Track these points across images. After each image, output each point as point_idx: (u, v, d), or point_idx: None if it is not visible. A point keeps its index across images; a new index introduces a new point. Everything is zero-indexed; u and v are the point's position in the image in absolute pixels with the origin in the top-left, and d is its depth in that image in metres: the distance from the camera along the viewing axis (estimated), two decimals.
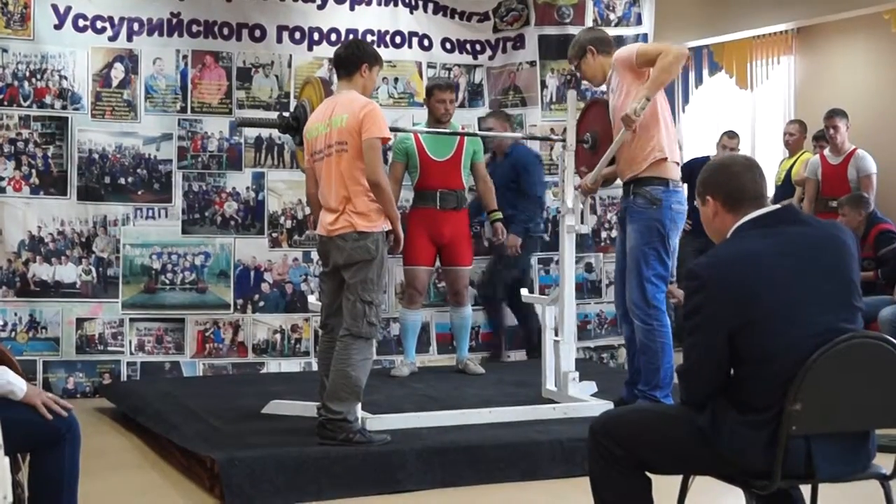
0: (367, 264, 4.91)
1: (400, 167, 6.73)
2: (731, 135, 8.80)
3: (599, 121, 5.80)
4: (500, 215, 6.99)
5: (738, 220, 3.13)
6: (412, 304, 6.76)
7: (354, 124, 4.89)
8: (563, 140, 5.94)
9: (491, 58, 7.79)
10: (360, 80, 5.10)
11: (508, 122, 7.29)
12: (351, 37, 7.38)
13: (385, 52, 7.46)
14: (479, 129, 7.29)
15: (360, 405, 5.04)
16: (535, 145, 7.56)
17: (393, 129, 5.40)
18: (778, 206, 3.20)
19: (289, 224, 7.32)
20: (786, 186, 8.88)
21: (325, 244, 5.04)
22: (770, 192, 8.51)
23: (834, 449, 3.01)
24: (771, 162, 9.64)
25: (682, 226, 5.51)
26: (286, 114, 5.58)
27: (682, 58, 5.35)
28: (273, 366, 7.23)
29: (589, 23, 7.80)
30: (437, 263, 6.93)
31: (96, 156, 6.97)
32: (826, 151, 8.36)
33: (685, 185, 6.00)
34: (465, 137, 6.76)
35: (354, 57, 5.11)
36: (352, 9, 7.48)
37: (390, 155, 6.81)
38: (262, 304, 7.23)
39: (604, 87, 5.93)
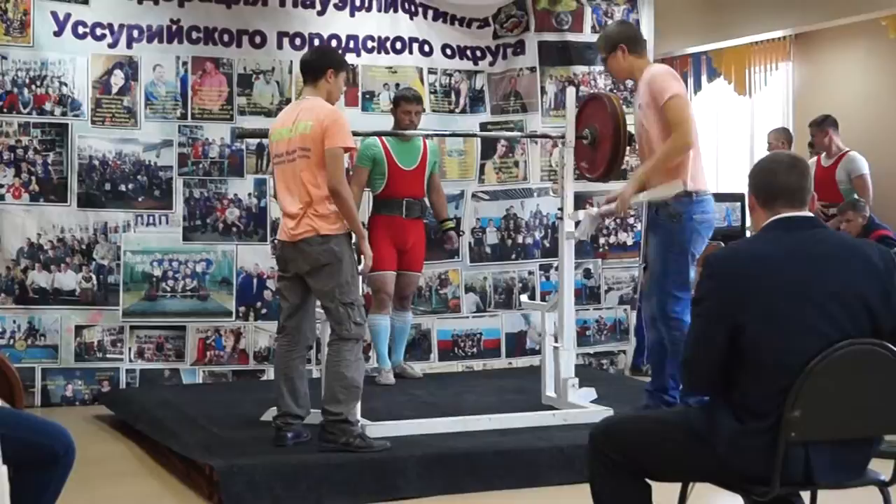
0: (336, 266, 4.91)
1: (365, 173, 6.64)
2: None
3: (598, 116, 5.79)
4: (452, 224, 7.00)
5: (769, 218, 3.13)
6: (383, 310, 6.69)
7: (319, 131, 4.90)
8: (563, 137, 5.93)
9: (491, 64, 7.77)
10: (325, 86, 5.09)
11: None
12: (351, 43, 7.38)
13: (386, 58, 7.52)
14: None
15: (359, 406, 5.03)
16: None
17: (355, 134, 5.40)
18: (809, 213, 3.16)
19: None
20: None
21: (287, 250, 5.02)
22: None
23: (833, 455, 3.01)
24: None
25: (707, 234, 5.44)
26: None
27: (685, 150, 5.28)
28: (273, 373, 7.19)
29: (587, 29, 7.83)
30: None
31: (96, 162, 6.94)
32: (823, 154, 8.37)
33: None
34: (428, 149, 6.76)
35: (320, 63, 5.12)
36: (352, 15, 7.45)
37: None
38: (264, 311, 7.20)
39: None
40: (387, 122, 6.85)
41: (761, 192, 3.15)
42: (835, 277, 3.02)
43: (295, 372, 5.11)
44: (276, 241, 5.36)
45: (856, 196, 7.92)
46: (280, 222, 5.14)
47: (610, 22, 7.80)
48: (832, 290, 3.00)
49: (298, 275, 5.02)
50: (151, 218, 7.03)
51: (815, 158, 8.45)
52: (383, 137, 6.67)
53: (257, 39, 7.26)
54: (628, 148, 5.89)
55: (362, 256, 5.05)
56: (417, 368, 7.05)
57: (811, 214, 3.18)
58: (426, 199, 6.88)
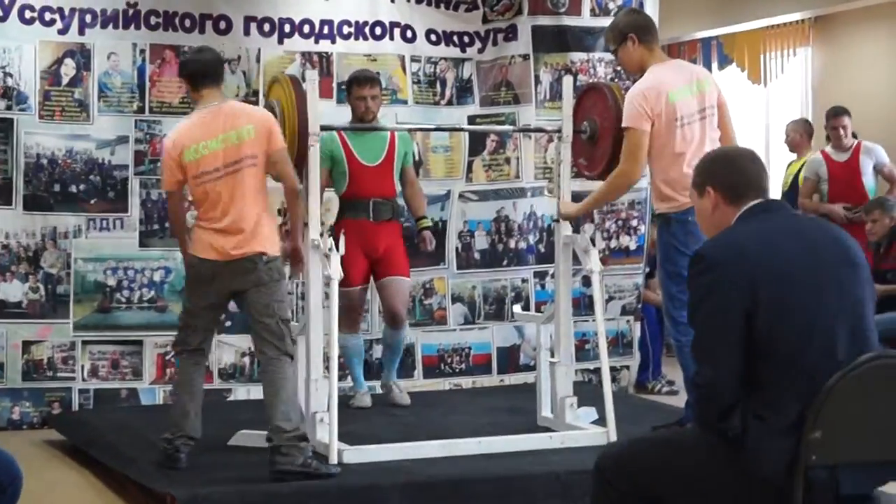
0: (278, 285, 5.18)
1: (324, 173, 6.28)
2: None
3: (598, 108, 5.82)
4: (429, 223, 6.85)
5: (737, 212, 3.19)
6: (353, 328, 6.55)
7: (264, 134, 5.13)
8: (559, 131, 5.92)
9: (480, 51, 7.75)
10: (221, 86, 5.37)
11: None
12: (325, 28, 7.36)
13: (364, 45, 7.52)
14: None
15: None
16: None
17: (324, 128, 5.62)
18: (776, 199, 3.27)
19: None
20: (794, 191, 8.70)
21: (219, 267, 5.13)
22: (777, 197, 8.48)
23: (864, 474, 3.04)
24: (786, 163, 9.58)
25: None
26: None
27: (628, 185, 5.72)
28: (241, 392, 7.18)
29: (586, 13, 7.80)
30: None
31: (45, 161, 6.92)
32: (828, 148, 8.32)
33: None
34: (396, 139, 6.59)
35: (219, 62, 5.40)
36: None
37: None
38: (228, 324, 7.17)
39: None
40: None
41: (730, 188, 3.21)
42: (842, 255, 3.12)
43: (200, 393, 5.37)
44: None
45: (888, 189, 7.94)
46: (206, 239, 5.17)
47: (611, 5, 7.81)
48: (837, 263, 3.09)
49: (223, 298, 5.24)
50: (105, 222, 7.02)
51: (819, 153, 8.39)
52: (342, 131, 6.51)
53: (222, 25, 7.24)
54: None
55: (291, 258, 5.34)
56: (406, 394, 6.79)
57: (779, 199, 3.31)
58: (399, 198, 6.74)
